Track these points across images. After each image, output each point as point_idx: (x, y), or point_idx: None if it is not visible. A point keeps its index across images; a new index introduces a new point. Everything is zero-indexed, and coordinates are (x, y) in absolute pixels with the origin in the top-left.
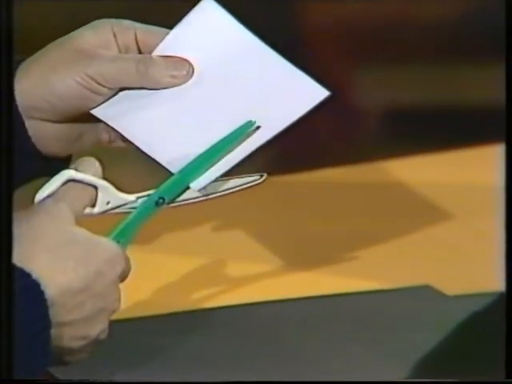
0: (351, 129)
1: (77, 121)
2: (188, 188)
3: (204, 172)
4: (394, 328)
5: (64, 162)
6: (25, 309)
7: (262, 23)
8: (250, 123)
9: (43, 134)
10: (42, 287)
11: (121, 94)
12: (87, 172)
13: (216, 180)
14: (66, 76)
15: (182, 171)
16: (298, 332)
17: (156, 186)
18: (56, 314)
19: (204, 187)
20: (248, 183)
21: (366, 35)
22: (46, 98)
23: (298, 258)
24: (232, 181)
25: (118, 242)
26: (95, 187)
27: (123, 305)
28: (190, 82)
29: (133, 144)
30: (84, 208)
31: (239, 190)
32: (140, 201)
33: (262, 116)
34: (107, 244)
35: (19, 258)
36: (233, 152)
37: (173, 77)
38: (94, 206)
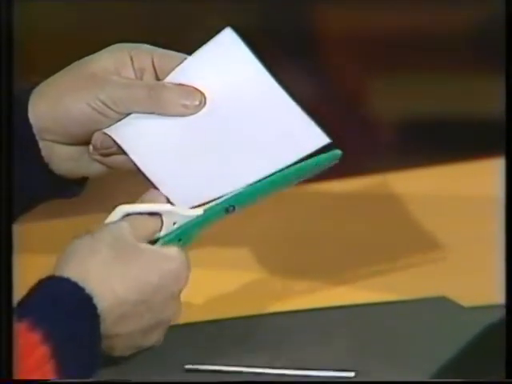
0: (353, 141)
1: (88, 143)
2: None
3: (277, 189)
4: (411, 339)
5: (78, 184)
6: (77, 323)
7: (278, 34)
8: (337, 153)
9: (56, 155)
10: (95, 301)
11: (132, 116)
12: (153, 202)
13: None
14: (80, 100)
15: (257, 182)
16: (313, 342)
17: None
18: (111, 327)
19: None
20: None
21: (366, 48)
22: (59, 121)
23: (311, 269)
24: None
25: (180, 239)
26: (158, 214)
27: None
28: (201, 112)
29: (136, 166)
30: (150, 235)
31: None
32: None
33: (263, 153)
34: (174, 255)
35: (76, 271)
36: (227, 180)
37: (184, 106)
38: (160, 229)
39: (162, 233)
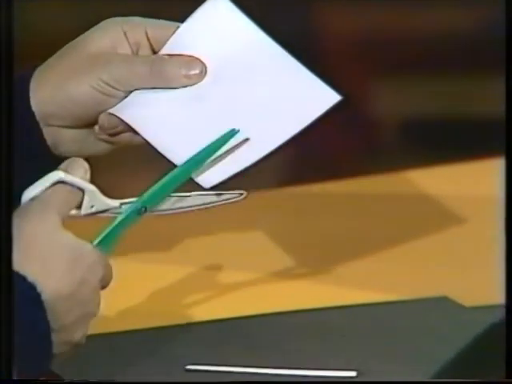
0: (355, 141)
1: (94, 124)
2: (170, 197)
3: (184, 182)
4: (412, 339)
5: None
6: (23, 312)
7: (277, 33)
8: (232, 131)
9: (61, 139)
10: (38, 290)
11: (136, 92)
12: (76, 172)
13: (196, 194)
14: (82, 83)
15: (163, 181)
16: (313, 342)
17: (140, 193)
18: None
19: (214, 185)
20: (227, 200)
21: (366, 48)
22: (63, 106)
23: (311, 269)
24: (212, 196)
25: (101, 250)
26: (82, 190)
27: (110, 314)
28: (204, 80)
29: (147, 142)
30: (70, 210)
31: (218, 206)
32: (124, 207)
33: (274, 118)
34: (90, 250)
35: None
36: (245, 152)
37: (187, 77)
38: (79, 207)
39: (81, 212)
